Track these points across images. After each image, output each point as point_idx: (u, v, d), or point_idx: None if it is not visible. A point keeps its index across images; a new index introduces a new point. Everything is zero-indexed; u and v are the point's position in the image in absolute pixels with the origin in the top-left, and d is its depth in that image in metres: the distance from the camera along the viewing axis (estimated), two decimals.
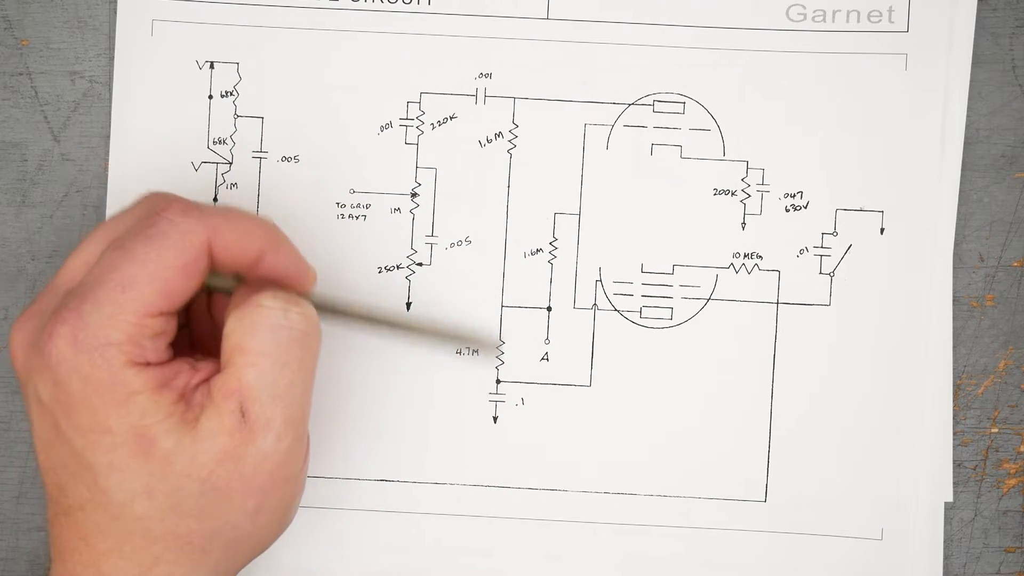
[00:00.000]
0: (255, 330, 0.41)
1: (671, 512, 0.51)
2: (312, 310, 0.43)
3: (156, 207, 0.42)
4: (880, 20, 0.50)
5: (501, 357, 0.51)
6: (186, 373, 0.41)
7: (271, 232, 0.43)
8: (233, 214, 0.42)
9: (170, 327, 0.42)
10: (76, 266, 0.43)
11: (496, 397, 0.51)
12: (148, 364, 0.40)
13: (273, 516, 0.43)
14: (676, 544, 0.50)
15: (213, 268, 0.42)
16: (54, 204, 0.51)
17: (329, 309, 0.45)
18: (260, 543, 0.43)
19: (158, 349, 0.41)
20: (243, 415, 0.41)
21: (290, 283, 0.43)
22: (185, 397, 0.41)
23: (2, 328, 0.51)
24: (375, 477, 0.50)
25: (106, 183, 0.51)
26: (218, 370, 0.42)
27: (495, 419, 0.51)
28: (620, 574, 0.51)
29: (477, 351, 0.50)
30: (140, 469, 0.40)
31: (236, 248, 0.42)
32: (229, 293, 0.43)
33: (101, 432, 0.40)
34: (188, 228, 0.41)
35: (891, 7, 0.50)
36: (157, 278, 0.40)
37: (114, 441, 0.40)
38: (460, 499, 0.51)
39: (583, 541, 0.51)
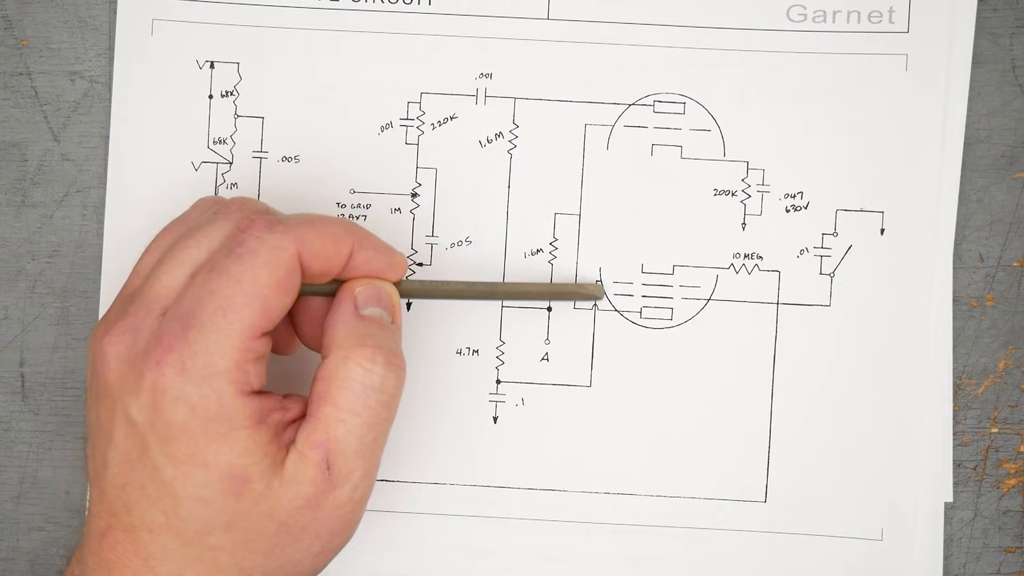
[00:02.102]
0: (349, 388, 0.42)
1: (671, 512, 0.51)
2: (402, 371, 0.43)
3: (240, 223, 0.42)
4: (880, 21, 0.50)
5: (501, 358, 0.51)
6: (278, 411, 0.42)
7: (355, 232, 0.43)
8: (316, 221, 0.43)
9: (268, 347, 0.42)
10: (145, 271, 0.43)
11: (496, 397, 0.51)
12: (251, 392, 0.41)
13: (331, 555, 0.44)
14: (676, 544, 0.51)
15: (303, 278, 0.43)
16: (54, 204, 0.51)
17: (423, 293, 0.47)
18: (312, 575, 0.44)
19: (259, 373, 0.41)
20: (328, 467, 0.42)
21: (382, 276, 0.44)
22: (277, 437, 0.41)
23: (1, 328, 0.51)
24: (375, 477, 0.50)
25: (106, 183, 0.51)
26: (304, 409, 0.43)
27: (495, 419, 0.51)
28: (620, 574, 0.51)
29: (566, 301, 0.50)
30: (227, 506, 0.40)
31: (324, 255, 0.42)
32: (326, 295, 0.44)
33: (197, 465, 0.40)
34: (277, 244, 0.41)
35: (891, 8, 0.50)
36: (255, 298, 0.41)
37: (208, 476, 0.40)
38: (460, 499, 0.51)
39: (583, 541, 0.51)
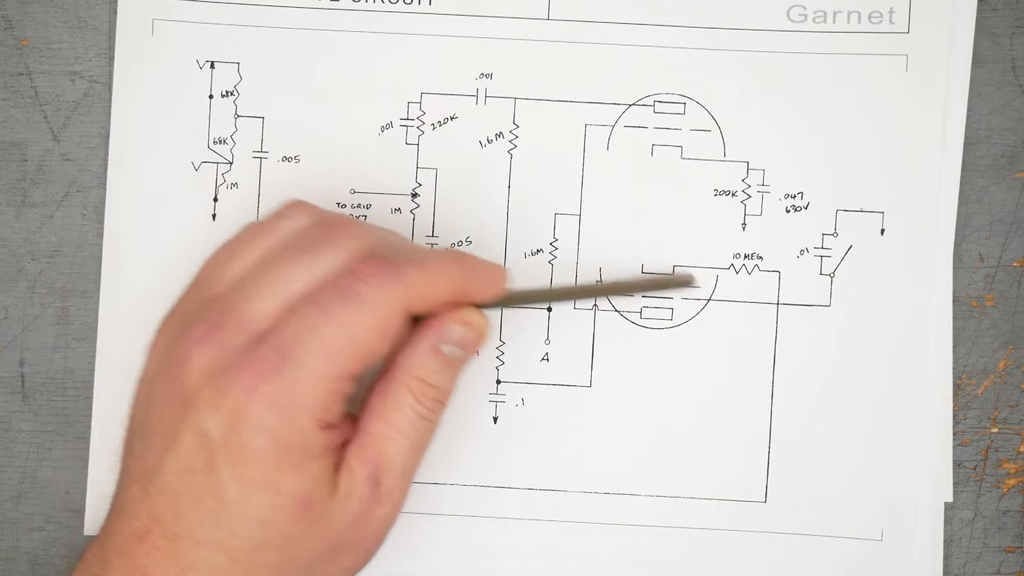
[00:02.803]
0: (402, 410, 0.42)
1: (671, 512, 0.51)
2: (446, 405, 0.44)
3: (352, 265, 0.41)
4: (881, 21, 0.50)
5: (501, 358, 0.51)
6: (341, 435, 0.42)
7: (464, 272, 0.43)
8: (427, 266, 0.42)
9: (354, 387, 0.42)
10: (230, 277, 0.42)
11: (496, 397, 0.51)
12: (332, 426, 0.41)
13: (360, 568, 0.44)
14: (676, 544, 0.51)
15: (409, 316, 0.42)
16: (54, 204, 0.51)
17: (523, 300, 0.47)
18: None
19: (341, 411, 0.41)
20: (376, 484, 0.42)
21: (477, 300, 0.44)
22: (336, 460, 0.42)
23: (1, 328, 0.51)
24: None
25: (106, 183, 0.51)
26: (355, 427, 0.43)
27: (495, 419, 0.51)
28: (620, 574, 0.51)
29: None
30: (287, 528, 0.40)
31: (432, 299, 0.42)
32: None
33: (267, 489, 0.40)
34: (389, 295, 0.41)
35: (892, 8, 0.50)
36: (356, 344, 0.40)
37: (276, 501, 0.40)
38: (460, 499, 0.51)
39: (583, 541, 0.51)
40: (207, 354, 0.41)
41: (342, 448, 0.42)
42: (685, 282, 0.50)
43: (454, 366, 0.44)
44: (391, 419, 0.42)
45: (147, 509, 0.41)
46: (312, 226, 0.44)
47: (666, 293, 0.51)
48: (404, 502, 0.44)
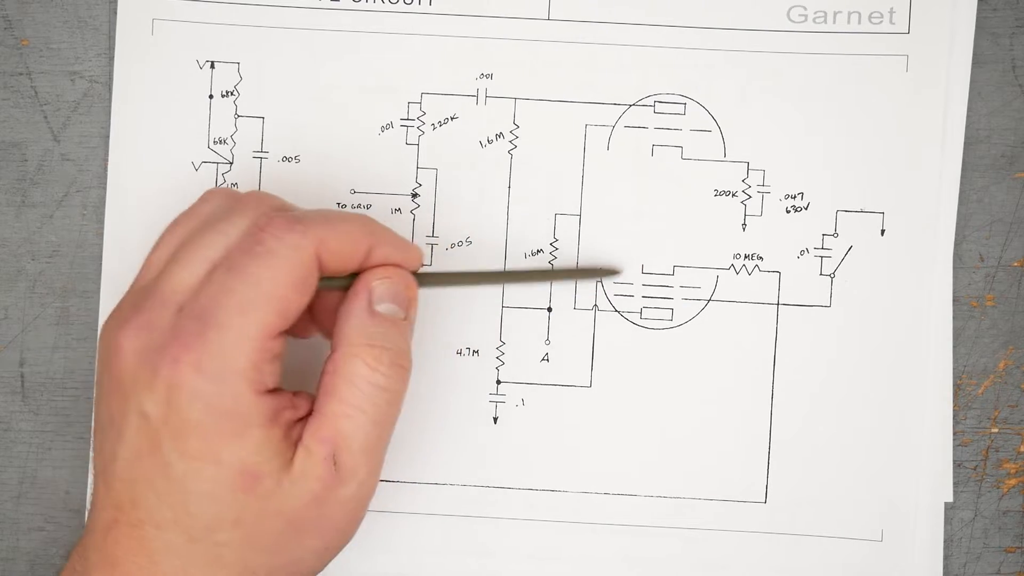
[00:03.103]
0: (356, 384, 0.42)
1: (671, 513, 0.51)
2: (407, 371, 0.43)
3: (258, 220, 0.42)
4: (881, 21, 0.50)
5: (501, 358, 0.51)
6: (289, 409, 0.42)
7: (373, 229, 0.43)
8: (334, 219, 0.42)
9: (284, 347, 0.42)
10: (157, 265, 0.43)
11: (496, 397, 0.51)
12: (266, 391, 0.41)
13: (334, 552, 0.44)
14: (676, 545, 0.51)
15: (321, 274, 0.42)
16: (54, 204, 0.51)
17: (438, 282, 0.47)
18: (314, 574, 0.44)
19: (274, 372, 0.41)
20: (335, 463, 0.42)
21: (401, 263, 0.44)
22: (287, 435, 0.41)
23: (1, 328, 0.51)
24: (379, 475, 0.50)
25: (106, 183, 0.51)
26: (311, 408, 0.43)
27: (495, 419, 0.51)
28: (619, 574, 0.51)
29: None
30: (237, 502, 0.40)
31: (343, 254, 0.42)
32: (342, 289, 0.44)
33: (210, 461, 0.40)
34: (296, 243, 0.41)
35: (892, 8, 0.50)
36: (273, 298, 0.41)
37: (220, 473, 0.40)
38: (460, 499, 0.51)
39: (583, 541, 0.51)
40: (135, 337, 0.41)
41: (297, 425, 0.42)
42: (609, 273, 0.50)
43: (398, 325, 0.43)
44: (345, 396, 0.42)
45: (110, 500, 0.41)
46: (225, 203, 0.44)
47: (587, 279, 0.50)
48: (374, 482, 0.43)
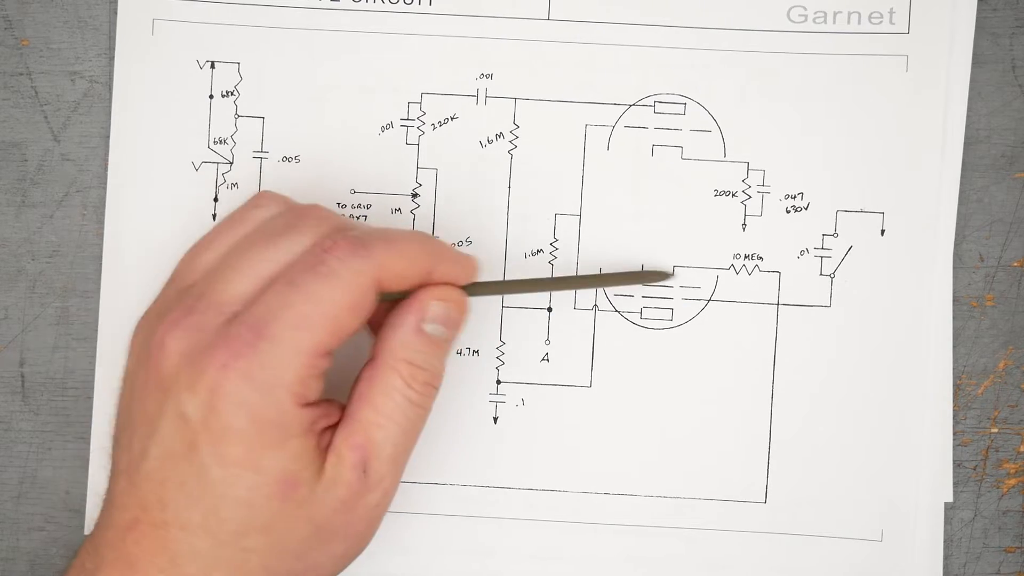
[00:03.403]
0: (391, 396, 0.42)
1: (671, 513, 0.51)
2: (438, 389, 0.44)
3: (322, 242, 0.42)
4: (881, 22, 0.50)
5: (501, 358, 0.51)
6: (324, 417, 0.42)
7: (432, 249, 0.44)
8: (396, 242, 0.43)
9: (330, 363, 0.42)
10: (204, 266, 0.43)
11: (496, 397, 0.51)
12: (308, 404, 0.41)
13: (351, 559, 0.44)
14: (676, 545, 0.51)
15: (380, 294, 0.43)
16: (54, 204, 0.51)
17: (489, 291, 0.47)
18: None
19: (319, 388, 0.42)
20: (364, 471, 0.42)
21: (458, 280, 0.45)
22: (320, 442, 0.42)
23: (1, 328, 0.51)
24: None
25: (106, 183, 0.51)
26: (340, 414, 0.43)
27: (495, 419, 0.51)
28: (620, 574, 0.51)
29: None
30: (271, 509, 0.41)
31: (402, 277, 0.43)
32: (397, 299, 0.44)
33: (249, 469, 0.40)
34: (358, 268, 0.41)
35: (892, 8, 0.50)
36: (329, 318, 0.41)
37: (258, 480, 0.40)
38: (460, 499, 0.51)
39: (583, 541, 0.51)
40: (183, 338, 0.41)
41: (327, 432, 0.42)
42: (660, 276, 0.50)
43: (440, 347, 0.44)
44: (379, 405, 0.42)
45: (134, 499, 0.41)
46: (282, 213, 0.44)
47: (641, 286, 0.51)
48: (395, 490, 0.44)
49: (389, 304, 0.44)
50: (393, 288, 0.43)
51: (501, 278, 0.51)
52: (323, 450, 0.42)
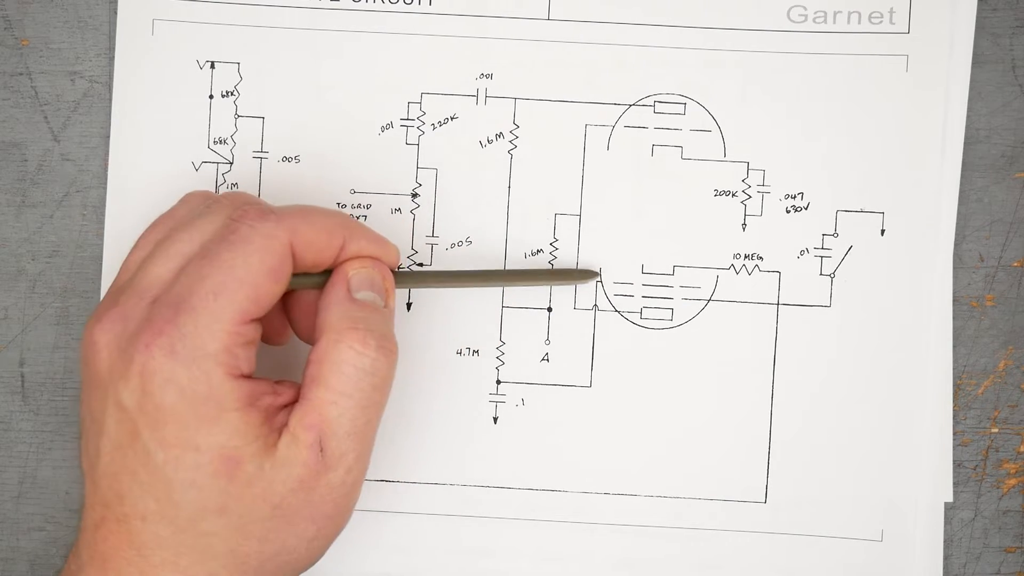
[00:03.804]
0: (341, 370, 0.42)
1: (671, 513, 0.51)
2: (394, 354, 0.43)
3: (233, 213, 0.42)
4: (881, 21, 0.50)
5: (501, 358, 0.51)
6: (270, 395, 0.42)
7: (348, 223, 0.44)
8: (309, 213, 0.43)
9: (258, 334, 0.42)
10: (135, 265, 0.43)
11: (496, 397, 0.51)
12: (241, 376, 0.41)
13: (326, 541, 0.44)
14: (676, 545, 0.51)
15: (295, 268, 0.43)
16: (54, 204, 0.51)
17: (413, 282, 0.47)
18: (307, 565, 0.44)
19: (249, 358, 0.42)
20: (321, 449, 0.42)
21: (374, 260, 0.45)
22: (268, 420, 0.42)
23: (1, 328, 0.51)
24: (375, 477, 0.51)
25: (106, 183, 0.51)
26: (296, 394, 0.43)
27: (495, 419, 0.51)
28: (619, 574, 0.51)
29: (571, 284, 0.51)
30: (220, 488, 0.40)
31: (317, 246, 0.43)
32: (317, 287, 0.45)
33: (188, 448, 0.40)
34: (270, 232, 0.42)
35: (892, 8, 0.50)
36: (247, 284, 0.41)
37: (199, 459, 0.40)
38: (460, 499, 0.51)
39: (583, 541, 0.51)
40: (109, 330, 0.41)
41: (281, 412, 0.42)
42: (587, 276, 0.50)
43: (380, 312, 0.44)
44: (330, 382, 0.42)
45: (97, 497, 0.41)
46: (202, 204, 0.45)
47: (564, 283, 0.50)
48: (362, 468, 0.43)
49: (315, 303, 0.44)
50: (309, 260, 0.43)
51: (430, 269, 0.51)
52: (276, 429, 0.41)
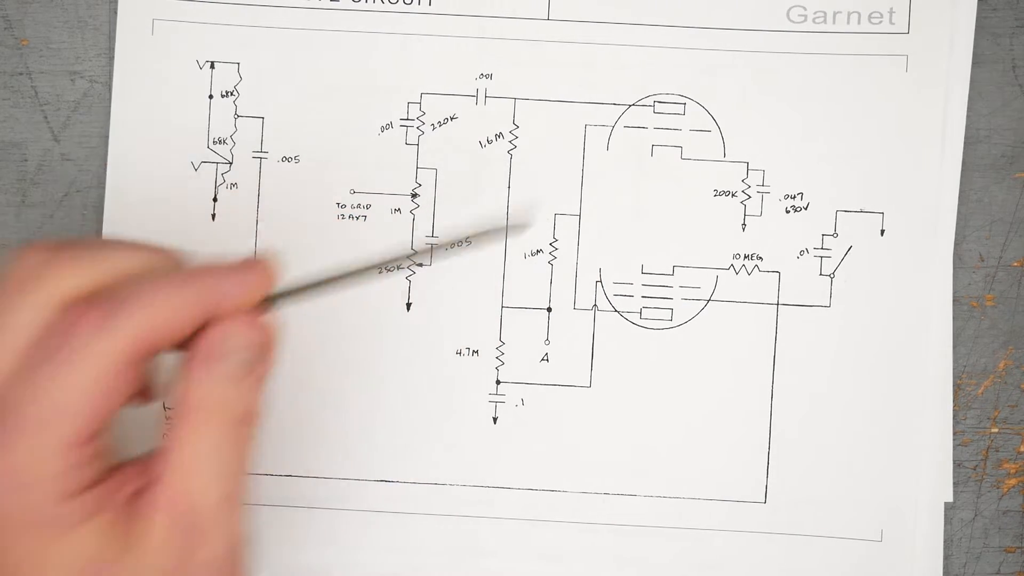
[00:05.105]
0: (199, 451, 0.38)
1: (671, 513, 0.51)
2: (254, 426, 0.39)
3: (67, 317, 0.37)
4: (881, 22, 0.50)
5: (501, 358, 0.51)
6: (125, 484, 0.38)
7: (204, 284, 0.38)
8: (157, 296, 0.37)
9: (105, 441, 0.38)
10: None
11: (496, 397, 0.51)
12: (85, 489, 0.37)
13: None
14: (675, 545, 0.51)
15: (154, 353, 0.38)
16: (54, 204, 0.51)
17: (299, 294, 0.40)
18: None
19: (97, 468, 0.37)
20: (190, 527, 0.37)
21: (251, 300, 0.39)
22: (126, 513, 0.37)
23: None
24: (375, 477, 0.51)
25: (106, 183, 0.51)
26: (150, 473, 0.38)
27: (495, 419, 0.51)
28: (619, 574, 0.51)
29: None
30: None
31: (175, 329, 0.38)
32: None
33: (48, 569, 0.36)
34: (103, 350, 0.36)
35: (892, 8, 0.50)
36: (79, 411, 0.36)
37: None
38: (460, 499, 0.51)
39: (582, 541, 0.51)
40: None
41: (135, 498, 0.38)
42: (520, 225, 0.48)
43: (241, 383, 0.38)
44: (187, 464, 0.37)
45: None
46: (37, 273, 0.38)
47: (490, 240, 0.48)
48: (238, 529, 0.39)
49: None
50: (167, 344, 0.38)
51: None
52: (137, 517, 0.37)
